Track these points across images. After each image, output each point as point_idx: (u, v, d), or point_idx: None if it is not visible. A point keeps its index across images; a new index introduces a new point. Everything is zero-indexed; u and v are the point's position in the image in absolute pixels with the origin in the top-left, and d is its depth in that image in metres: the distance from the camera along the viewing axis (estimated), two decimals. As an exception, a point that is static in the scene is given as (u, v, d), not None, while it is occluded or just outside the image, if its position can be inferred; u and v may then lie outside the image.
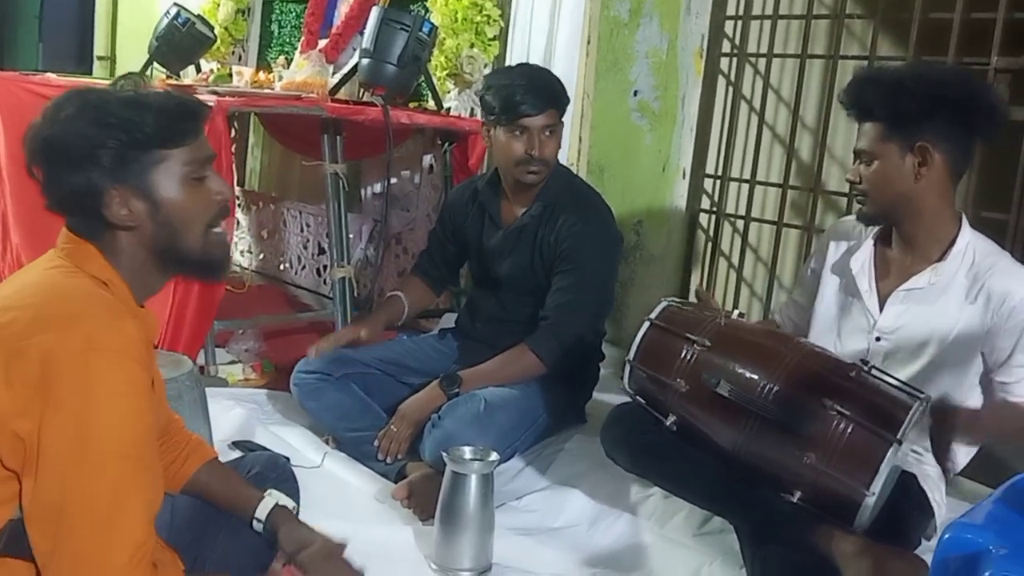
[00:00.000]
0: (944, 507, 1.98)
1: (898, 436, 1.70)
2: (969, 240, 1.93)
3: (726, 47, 3.45)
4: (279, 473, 1.81)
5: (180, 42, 4.06)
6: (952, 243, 1.93)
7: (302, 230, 4.35)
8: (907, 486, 1.90)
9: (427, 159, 3.88)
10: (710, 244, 3.49)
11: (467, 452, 2.04)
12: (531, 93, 2.45)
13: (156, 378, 1.36)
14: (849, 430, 1.74)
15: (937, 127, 1.85)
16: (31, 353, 1.19)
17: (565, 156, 3.24)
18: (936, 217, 1.93)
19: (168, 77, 4.03)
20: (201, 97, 2.87)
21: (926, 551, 1.87)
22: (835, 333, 2.05)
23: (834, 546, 1.77)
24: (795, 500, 1.79)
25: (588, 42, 3.26)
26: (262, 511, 1.61)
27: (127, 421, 1.22)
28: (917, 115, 1.85)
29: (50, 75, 3.88)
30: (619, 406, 2.22)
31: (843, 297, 2.07)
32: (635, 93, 3.44)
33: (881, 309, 1.98)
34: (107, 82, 1.42)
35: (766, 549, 1.85)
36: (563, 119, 2.56)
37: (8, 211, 3.77)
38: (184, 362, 2.18)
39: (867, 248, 2.03)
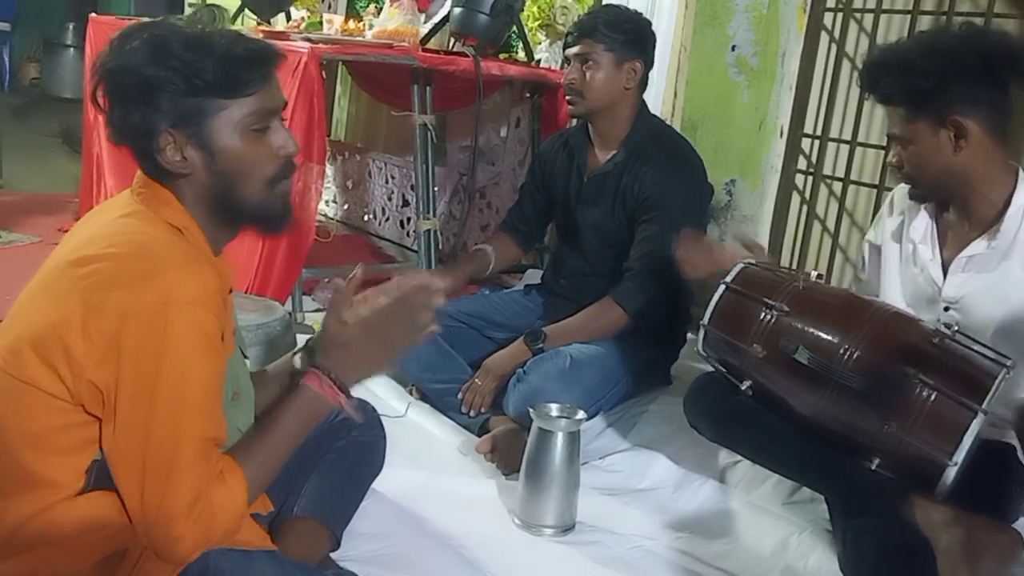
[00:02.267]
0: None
1: (983, 406, 1.63)
2: None
3: (831, 1, 3.30)
4: (367, 420, 1.81)
5: (271, -11, 4.05)
6: (1008, 203, 1.82)
7: (387, 182, 4.36)
8: (1006, 458, 1.82)
9: (515, 112, 3.83)
10: (805, 206, 3.38)
11: (554, 409, 2.02)
12: (577, 23, 2.50)
13: (227, 328, 1.34)
14: (932, 399, 1.66)
15: (961, 96, 1.75)
16: (109, 307, 1.19)
17: (659, 110, 3.16)
18: (987, 181, 1.83)
19: (259, 23, 4.04)
20: (294, 44, 2.86)
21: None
22: (903, 304, 1.96)
23: (925, 516, 1.71)
24: (873, 467, 1.73)
25: (687, -6, 3.16)
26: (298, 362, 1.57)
27: (196, 371, 1.23)
28: (935, 91, 1.75)
29: (144, 19, 3.92)
30: (701, 376, 2.17)
31: (907, 267, 1.98)
32: (733, 48, 3.33)
33: (945, 277, 1.90)
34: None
35: (858, 522, 1.79)
36: (625, 57, 2.47)
37: (103, 153, 3.85)
38: (276, 308, 2.20)
39: (924, 215, 1.94)
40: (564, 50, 2.53)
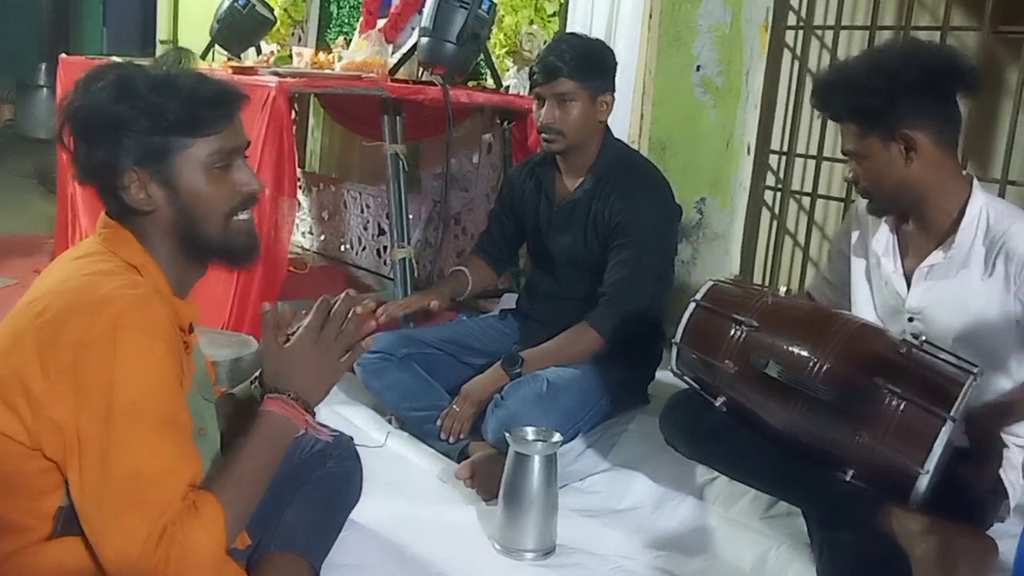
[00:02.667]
0: (1020, 489, 1.92)
1: (951, 413, 1.65)
2: (982, 205, 1.86)
3: (791, 20, 3.36)
4: (342, 451, 1.81)
5: (241, 24, 4.08)
6: (962, 212, 1.86)
7: (362, 211, 4.37)
8: None
9: (486, 138, 3.86)
10: (775, 222, 3.42)
11: (530, 433, 2.03)
12: (550, 59, 2.45)
13: (185, 363, 1.34)
14: (901, 408, 1.69)
15: (908, 111, 1.80)
16: (63, 340, 1.20)
17: (626, 132, 3.19)
18: (941, 192, 1.87)
19: (229, 59, 4.06)
20: (262, 79, 2.88)
21: (1003, 534, 1.82)
22: (873, 316, 2.00)
23: (900, 525, 1.73)
24: (847, 479, 1.75)
25: (650, 16, 3.19)
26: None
27: (153, 395, 1.23)
28: (883, 108, 1.81)
29: (115, 58, 3.93)
30: (675, 394, 2.19)
31: (873, 279, 2.02)
32: (698, 68, 3.37)
33: (908, 289, 1.93)
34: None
35: (835, 534, 1.81)
36: (599, 89, 2.49)
37: (77, 194, 3.84)
38: (250, 342, 2.21)
39: (885, 228, 1.98)
40: (535, 87, 2.51)
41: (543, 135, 2.50)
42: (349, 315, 1.41)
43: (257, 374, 1.56)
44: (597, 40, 2.63)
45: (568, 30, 3.40)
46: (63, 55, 4.02)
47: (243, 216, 1.40)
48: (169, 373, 1.26)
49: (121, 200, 1.33)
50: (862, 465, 1.73)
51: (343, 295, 1.44)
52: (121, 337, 1.21)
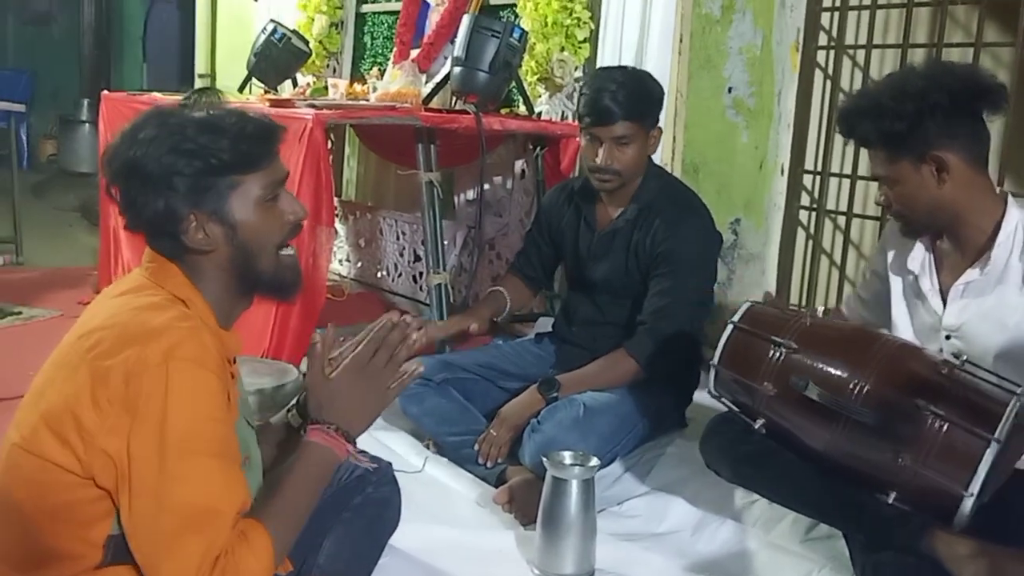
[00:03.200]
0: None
1: (996, 435, 1.62)
2: (1018, 221, 1.85)
3: (823, 40, 3.36)
4: (380, 477, 1.82)
5: (277, 57, 4.16)
6: (997, 229, 1.85)
7: (398, 238, 4.41)
8: (1021, 485, 1.81)
9: (519, 164, 3.89)
10: (811, 242, 3.41)
11: (567, 457, 2.03)
12: (605, 103, 2.41)
13: (232, 394, 1.36)
14: (944, 430, 1.67)
15: (936, 133, 1.80)
16: (115, 372, 1.23)
17: (659, 156, 3.19)
18: (975, 211, 1.86)
19: (266, 92, 4.13)
20: (299, 111, 2.94)
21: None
22: (911, 334, 1.99)
23: (948, 549, 1.70)
24: (890, 501, 1.73)
25: (680, 40, 3.22)
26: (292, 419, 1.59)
27: (205, 425, 1.25)
28: (911, 132, 1.80)
29: (156, 95, 4.03)
30: (715, 417, 2.18)
31: (910, 298, 2.01)
32: (729, 90, 3.38)
33: (944, 306, 1.92)
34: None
35: (878, 557, 1.80)
36: (652, 125, 2.50)
37: (119, 226, 3.92)
38: (290, 371, 2.24)
39: (920, 246, 1.97)
40: (588, 127, 2.46)
41: (597, 175, 2.49)
42: (402, 344, 1.42)
43: (293, 402, 1.58)
44: (644, 73, 2.61)
45: (599, 56, 3.43)
46: (105, 92, 4.13)
47: (289, 251, 1.44)
48: (220, 404, 1.29)
49: (181, 243, 1.35)
50: (905, 488, 1.71)
51: (401, 319, 1.44)
52: (173, 369, 1.23)
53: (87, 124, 8.48)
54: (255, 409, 1.84)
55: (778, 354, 1.89)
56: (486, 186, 3.36)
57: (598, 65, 3.40)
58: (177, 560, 1.22)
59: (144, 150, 1.32)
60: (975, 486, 1.63)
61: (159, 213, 1.33)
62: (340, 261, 4.81)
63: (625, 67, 2.78)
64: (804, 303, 3.40)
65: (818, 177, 3.36)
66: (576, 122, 3.52)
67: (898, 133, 1.81)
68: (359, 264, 4.73)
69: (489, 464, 2.40)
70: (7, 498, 1.32)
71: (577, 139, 3.50)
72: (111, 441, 1.23)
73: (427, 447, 2.60)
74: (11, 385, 2.65)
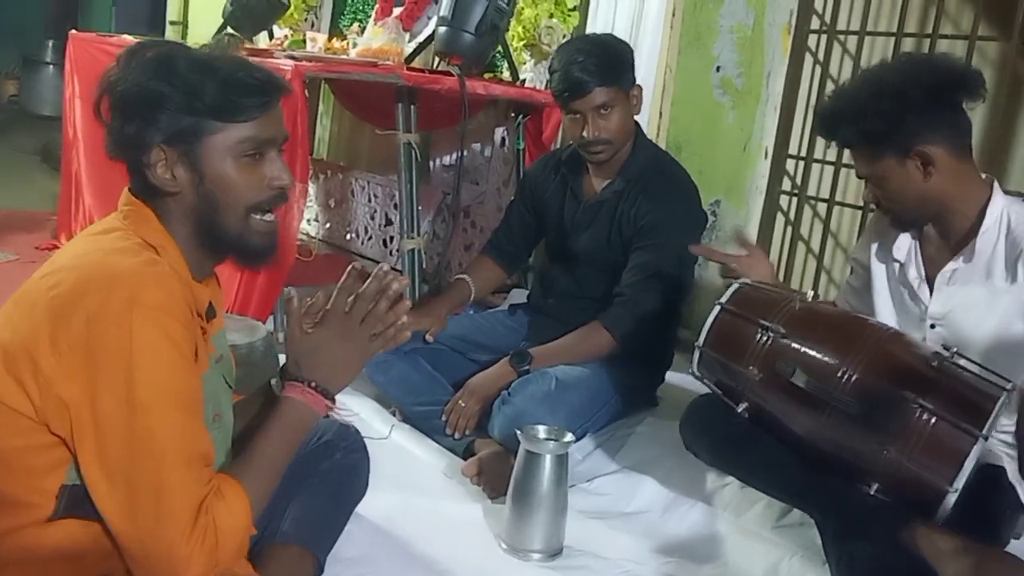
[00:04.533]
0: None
1: (983, 432, 1.61)
2: (1003, 208, 1.84)
3: (815, 23, 3.32)
4: (349, 442, 1.78)
5: (254, 8, 4.03)
6: (982, 216, 1.84)
7: (370, 200, 4.33)
8: (997, 481, 1.81)
9: (499, 132, 3.82)
10: (790, 228, 3.38)
11: (541, 431, 1.99)
12: (576, 75, 2.34)
13: (200, 346, 1.31)
14: (932, 423, 1.65)
15: (918, 128, 1.79)
16: (78, 316, 1.17)
17: (644, 131, 3.15)
18: (963, 200, 1.86)
19: (242, 43, 4.01)
20: (278, 62, 2.83)
21: (1016, 551, 1.78)
22: (895, 324, 1.97)
23: (930, 545, 1.68)
24: (872, 491, 1.71)
25: (672, 15, 3.15)
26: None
27: (171, 376, 1.19)
28: (892, 130, 1.79)
29: (127, 37, 3.88)
30: (697, 399, 2.14)
31: (894, 287, 2.00)
32: (717, 69, 3.33)
33: (931, 295, 1.91)
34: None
35: (852, 546, 1.77)
36: (633, 86, 2.43)
37: (82, 170, 3.80)
38: (259, 328, 2.17)
39: (906, 236, 1.96)
40: (567, 104, 2.39)
41: (588, 149, 2.43)
42: (380, 295, 1.36)
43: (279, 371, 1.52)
44: (607, 36, 2.56)
45: (589, 24, 3.37)
46: (72, 31, 3.98)
47: (267, 217, 1.36)
48: (185, 354, 1.23)
49: (146, 178, 1.30)
50: (888, 479, 1.68)
51: (375, 270, 1.37)
52: (137, 316, 1.17)
53: (51, 66, 8.25)
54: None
55: (765, 338, 1.85)
56: (464, 152, 3.28)
57: (578, 35, 3.33)
58: (154, 518, 1.17)
59: (133, 74, 1.27)
60: (959, 482, 1.61)
61: (129, 139, 1.28)
62: (308, 221, 4.72)
63: (586, 35, 2.73)
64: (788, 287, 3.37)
65: (801, 162, 3.33)
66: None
67: (880, 132, 1.81)
68: (328, 225, 4.64)
69: (457, 435, 2.35)
70: None
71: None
72: (68, 387, 1.17)
73: (393, 414, 2.54)
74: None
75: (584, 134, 2.39)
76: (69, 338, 1.17)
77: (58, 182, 4.22)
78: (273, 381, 1.49)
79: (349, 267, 1.39)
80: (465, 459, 2.29)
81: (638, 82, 2.48)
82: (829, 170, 3.28)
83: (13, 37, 8.89)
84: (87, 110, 3.74)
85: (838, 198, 3.26)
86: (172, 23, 6.13)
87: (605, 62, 2.37)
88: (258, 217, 1.34)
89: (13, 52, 8.80)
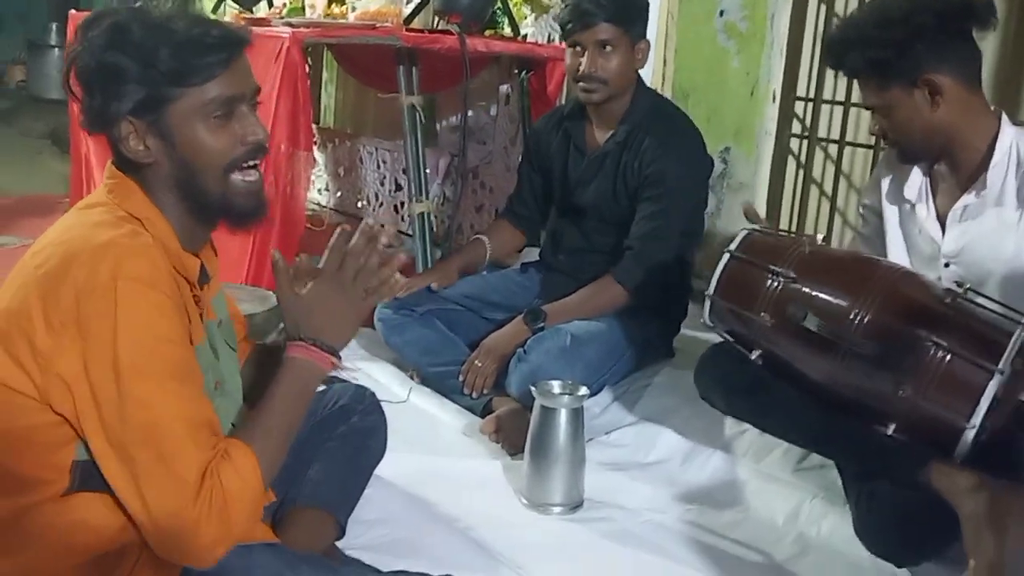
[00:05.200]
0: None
1: (1000, 366, 1.58)
2: (1012, 139, 1.81)
3: (818, -39, 3.25)
4: (366, 405, 1.79)
5: (253, -23, 4.00)
6: (992, 149, 1.81)
7: (378, 167, 4.31)
8: (1020, 416, 1.78)
9: (503, 89, 3.79)
10: (801, 171, 3.34)
11: (556, 386, 1.99)
12: (585, 6, 2.35)
13: (193, 315, 1.30)
14: (947, 360, 1.62)
15: (926, 55, 1.75)
16: (66, 292, 1.17)
17: (649, 80, 3.11)
18: (971, 132, 1.82)
19: (241, 12, 3.98)
20: (275, 29, 2.81)
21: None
22: (908, 264, 1.94)
23: (947, 482, 1.67)
24: (889, 432, 1.69)
25: (674, -41, 3.10)
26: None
27: (157, 346, 1.19)
28: (900, 57, 1.76)
29: (125, 8, 3.86)
30: (710, 348, 2.13)
31: (907, 227, 1.97)
32: (721, 13, 3.28)
33: (943, 233, 1.88)
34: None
35: (873, 486, 1.77)
36: (638, 36, 2.42)
37: (91, 152, 3.80)
38: (269, 297, 2.18)
39: (917, 173, 1.93)
40: (571, 34, 2.40)
41: (582, 84, 2.42)
42: (370, 249, 1.35)
43: (281, 325, 1.52)
44: None
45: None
46: (73, 12, 3.96)
47: (248, 176, 1.33)
48: (173, 324, 1.22)
49: (120, 151, 1.28)
50: (905, 419, 1.67)
51: (361, 225, 1.37)
52: (122, 288, 1.17)
53: (56, 49, 8.23)
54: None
55: (776, 284, 1.83)
56: (469, 112, 3.25)
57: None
58: (158, 488, 1.17)
59: (90, 44, 1.24)
60: (976, 418, 1.59)
61: (97, 114, 1.26)
62: (319, 190, 4.71)
63: None
64: (797, 232, 3.35)
65: (810, 104, 3.28)
66: (563, 44, 3.44)
67: (886, 60, 1.77)
68: (339, 193, 4.63)
69: (475, 394, 2.37)
70: None
71: (563, 62, 3.41)
72: (64, 364, 1.18)
73: (411, 377, 2.55)
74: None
75: (581, 68, 2.38)
76: (60, 314, 1.17)
77: (68, 165, 4.23)
78: (268, 339, 1.49)
79: (338, 227, 1.38)
80: (483, 418, 2.31)
81: (647, 38, 2.45)
82: (839, 111, 3.23)
83: (18, 23, 8.88)
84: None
85: (849, 138, 3.22)
86: (172, -1, 6.09)
87: (618, 2, 2.37)
88: (239, 177, 1.32)
89: (19, 37, 8.80)
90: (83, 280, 1.17)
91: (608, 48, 2.37)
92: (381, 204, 4.32)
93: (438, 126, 4.13)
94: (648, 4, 2.49)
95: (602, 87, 2.40)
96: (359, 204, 4.45)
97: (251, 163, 1.33)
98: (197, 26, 1.27)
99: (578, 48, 2.40)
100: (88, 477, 1.23)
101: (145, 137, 1.27)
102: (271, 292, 2.32)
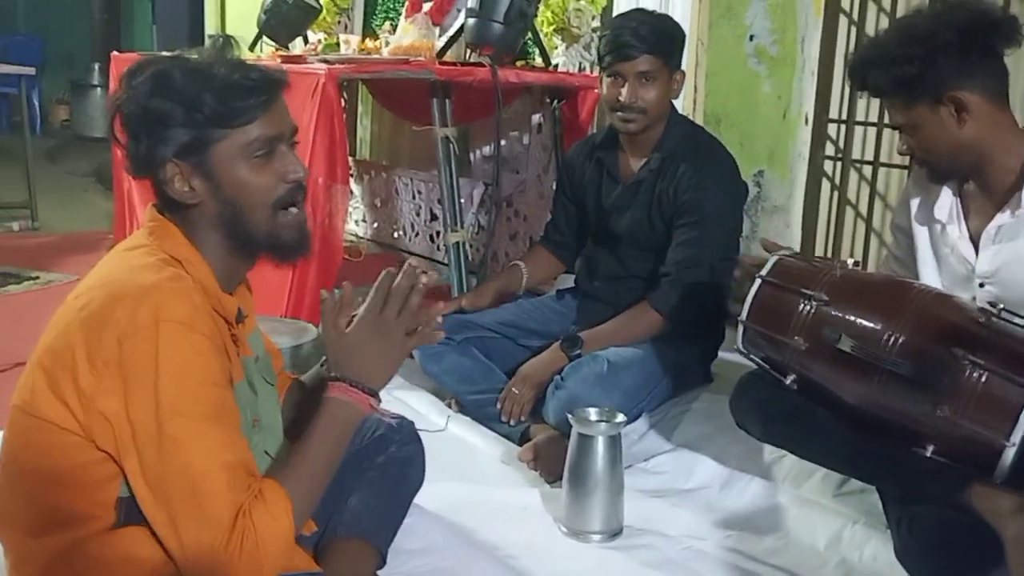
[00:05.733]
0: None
1: None
2: None
3: (848, -16, 3.26)
4: (403, 434, 1.80)
5: (287, 15, 4.08)
6: None
7: (414, 197, 4.36)
8: None
9: (535, 118, 3.82)
10: (836, 193, 3.33)
11: (593, 414, 2.00)
12: (627, 38, 2.37)
13: (232, 355, 1.34)
14: (983, 379, 1.60)
15: (951, 72, 1.73)
16: (109, 333, 1.20)
17: (680, 107, 3.13)
18: (1000, 149, 1.80)
19: (277, 50, 4.07)
20: (311, 67, 2.88)
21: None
22: (940, 286, 1.92)
23: (990, 504, 1.65)
24: (928, 454, 1.68)
25: (702, -13, 3.13)
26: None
27: (197, 388, 1.22)
28: (924, 75, 1.74)
29: (165, 54, 3.96)
30: (744, 376, 2.11)
31: (938, 248, 1.95)
32: (751, 38, 3.29)
33: (977, 253, 1.86)
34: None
35: (914, 510, 1.75)
36: (676, 66, 2.45)
37: (133, 189, 3.89)
38: (308, 330, 2.21)
39: (947, 193, 1.91)
40: (611, 65, 2.40)
41: (620, 114, 2.43)
42: (412, 291, 1.38)
43: (324, 359, 1.55)
44: (666, 15, 2.56)
45: (615, 4, 3.35)
46: (115, 53, 4.07)
47: (292, 211, 1.38)
48: (212, 366, 1.25)
49: (166, 193, 1.32)
50: (943, 440, 1.65)
51: (404, 266, 1.40)
52: (163, 331, 1.20)
53: (99, 88, 8.44)
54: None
55: (808, 307, 1.83)
56: (503, 142, 3.29)
57: (615, 14, 3.31)
58: (192, 527, 1.20)
59: (134, 91, 1.29)
60: (1016, 436, 1.57)
61: (141, 159, 1.31)
62: (356, 222, 4.77)
63: (644, 9, 2.72)
64: (830, 256, 3.33)
65: (843, 126, 3.27)
66: (594, 72, 3.48)
67: (911, 77, 1.76)
68: (375, 224, 4.69)
69: (512, 422, 2.38)
70: (15, 461, 1.31)
71: (595, 91, 3.44)
72: (107, 403, 1.21)
73: (449, 406, 2.57)
74: (32, 349, 2.65)
75: (621, 97, 2.40)
76: (103, 355, 1.20)
77: (112, 202, 4.33)
78: (324, 368, 1.52)
79: (385, 270, 1.41)
80: (521, 445, 2.32)
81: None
82: (872, 132, 3.22)
83: (62, 64, 9.13)
84: (133, 129, 3.82)
85: (883, 159, 3.20)
86: (210, 37, 6.23)
87: (658, 33, 2.39)
88: (285, 212, 1.36)
89: (62, 78, 9.04)
90: (125, 322, 1.20)
91: (648, 79, 2.39)
92: (417, 234, 4.37)
93: (471, 156, 4.17)
94: (684, 35, 2.51)
95: (640, 117, 2.42)
96: (395, 234, 4.51)
97: (294, 200, 1.37)
98: (237, 71, 1.31)
99: (618, 79, 2.41)
100: (133, 512, 1.25)
101: (190, 178, 1.31)
102: (307, 324, 2.36)
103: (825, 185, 3.36)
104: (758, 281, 1.91)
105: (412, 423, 1.85)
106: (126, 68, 1.34)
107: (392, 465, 1.75)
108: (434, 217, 4.26)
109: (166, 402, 1.19)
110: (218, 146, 1.30)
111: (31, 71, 5.57)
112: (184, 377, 1.21)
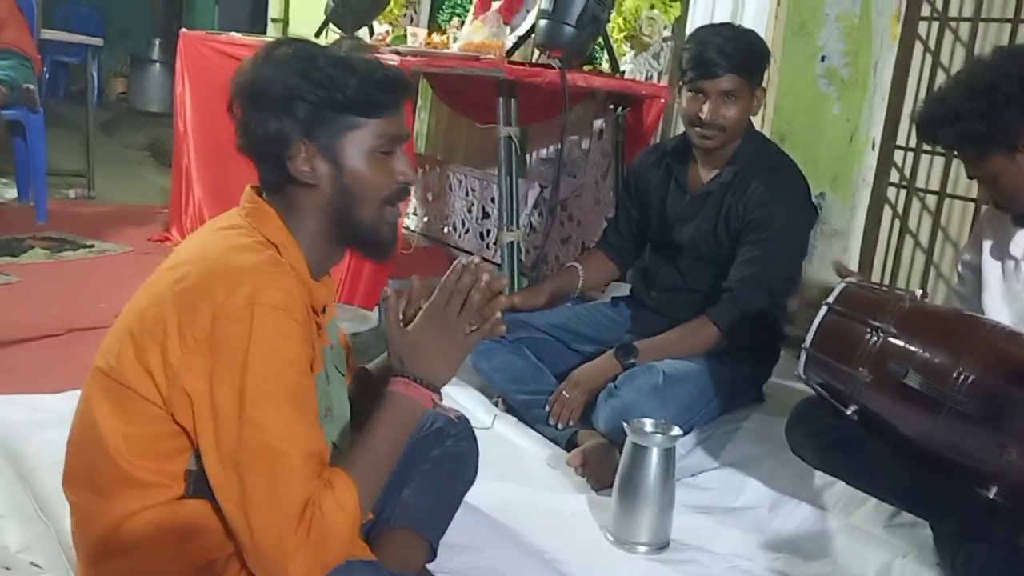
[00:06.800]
0: None
1: None
2: None
3: (925, 10, 3.21)
4: (460, 430, 1.80)
5: (355, 4, 4.09)
6: None
7: (467, 194, 4.37)
8: None
9: (597, 124, 3.81)
10: (897, 221, 3.29)
11: (648, 424, 1.99)
12: (712, 55, 2.34)
13: (316, 345, 1.35)
14: None
15: (1017, 119, 1.74)
16: (203, 310, 1.21)
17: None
18: None
19: (371, 47, 4.08)
20: (383, 56, 2.88)
21: None
22: (1010, 323, 1.89)
23: None
24: (991, 496, 1.65)
25: (778, 4, 3.10)
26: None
27: (284, 373, 1.23)
28: (993, 127, 1.75)
29: (234, 35, 4.00)
30: (802, 402, 2.09)
31: (1011, 284, 1.93)
32: (822, 59, 3.26)
33: None
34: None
35: (971, 547, 1.72)
36: (757, 84, 2.43)
37: (192, 165, 3.93)
38: (370, 317, 2.23)
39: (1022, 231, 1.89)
40: (694, 81, 2.38)
41: (699, 130, 2.41)
42: (474, 287, 1.38)
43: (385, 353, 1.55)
44: (752, 31, 2.53)
45: (690, 15, 3.34)
46: (183, 30, 4.11)
47: (394, 209, 1.40)
48: (301, 352, 1.26)
49: (285, 170, 1.33)
50: (1008, 482, 1.62)
51: (471, 262, 1.40)
52: (258, 314, 1.21)
53: (158, 64, 8.55)
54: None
55: (875, 338, 1.80)
56: (563, 145, 3.28)
57: (688, 25, 3.30)
58: (264, 509, 1.20)
59: (273, 70, 1.31)
60: (1086, 484, 1.55)
61: (270, 135, 1.31)
62: (408, 214, 4.79)
63: (731, 23, 2.69)
64: (891, 285, 3.29)
65: (911, 154, 3.23)
66: (661, 81, 3.46)
67: (980, 132, 1.77)
68: (426, 218, 4.70)
69: (560, 426, 2.37)
70: (91, 423, 1.31)
71: (661, 100, 3.43)
72: (192, 379, 1.22)
73: (496, 404, 2.57)
74: (87, 315, 2.71)
75: (702, 114, 2.38)
76: (195, 331, 1.21)
77: (167, 176, 4.38)
78: (370, 366, 1.52)
79: (456, 263, 1.41)
80: (567, 450, 2.31)
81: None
82: (939, 161, 3.18)
83: (121, 39, 9.25)
84: (197, 106, 3.87)
85: (949, 190, 3.16)
86: (274, 20, 6.27)
87: (743, 51, 2.37)
88: (390, 208, 1.39)
89: (122, 52, 9.16)
90: (221, 301, 1.21)
91: (730, 97, 2.37)
92: (467, 231, 4.37)
93: (529, 157, 4.17)
94: (768, 52, 2.49)
95: (720, 134, 2.40)
96: (445, 229, 4.52)
97: (399, 200, 1.40)
98: (377, 66, 1.34)
99: (699, 95, 2.39)
100: (201, 486, 1.27)
101: (313, 159, 1.32)
102: (368, 311, 2.37)
103: (887, 212, 3.32)
104: (824, 308, 1.89)
105: (468, 420, 1.84)
106: (264, 44, 1.36)
107: (446, 460, 1.75)
108: (485, 215, 4.26)
109: (252, 384, 1.20)
110: (351, 134, 1.32)
111: (99, 42, 5.66)
112: (273, 362, 1.22)
